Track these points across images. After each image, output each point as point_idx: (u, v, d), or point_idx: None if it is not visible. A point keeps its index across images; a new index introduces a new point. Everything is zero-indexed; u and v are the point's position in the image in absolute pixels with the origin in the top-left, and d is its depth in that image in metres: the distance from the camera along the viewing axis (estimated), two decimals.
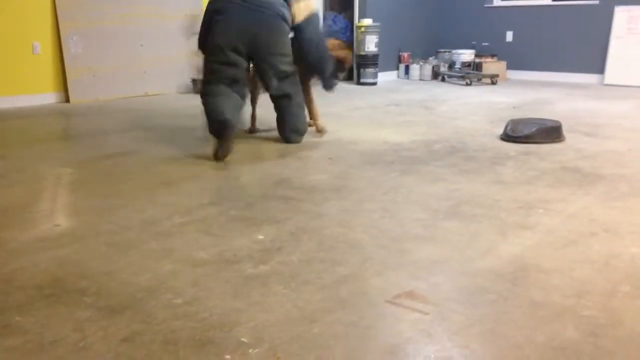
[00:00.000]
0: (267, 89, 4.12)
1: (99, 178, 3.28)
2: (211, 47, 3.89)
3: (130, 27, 6.74)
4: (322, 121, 4.51)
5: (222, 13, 3.86)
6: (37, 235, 2.39)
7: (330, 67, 4.18)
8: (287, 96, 4.07)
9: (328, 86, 4.27)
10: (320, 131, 4.44)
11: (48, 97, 6.16)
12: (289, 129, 4.16)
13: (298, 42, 4.09)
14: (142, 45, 6.79)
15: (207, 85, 3.90)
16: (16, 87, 5.90)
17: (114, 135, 4.48)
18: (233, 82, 3.89)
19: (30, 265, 2.09)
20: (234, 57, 3.84)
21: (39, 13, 5.98)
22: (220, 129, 3.66)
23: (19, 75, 5.90)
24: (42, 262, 2.11)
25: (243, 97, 3.97)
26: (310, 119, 4.43)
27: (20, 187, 3.10)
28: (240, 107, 3.92)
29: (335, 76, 4.28)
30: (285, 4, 3.94)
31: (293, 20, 4.01)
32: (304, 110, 4.19)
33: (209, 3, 4.02)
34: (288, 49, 4.01)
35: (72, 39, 6.23)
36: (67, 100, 6.23)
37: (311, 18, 4.07)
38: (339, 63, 4.39)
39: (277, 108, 4.16)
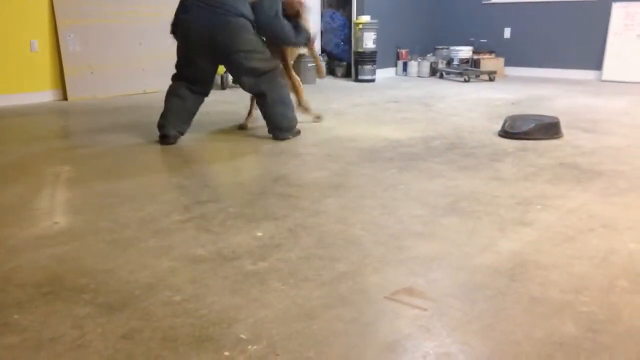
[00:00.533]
0: (242, 87, 4.19)
1: (98, 175, 3.28)
2: (177, 44, 4.11)
3: (129, 25, 6.72)
4: (307, 102, 4.57)
5: (186, 12, 3.98)
6: (36, 233, 2.39)
7: (289, 33, 4.09)
8: (262, 94, 4.09)
9: (298, 44, 4.27)
10: (307, 110, 4.52)
11: (46, 95, 6.14)
12: (271, 127, 4.18)
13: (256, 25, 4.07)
14: (140, 43, 6.77)
15: (174, 77, 4.17)
16: (14, 85, 5.88)
17: (112, 132, 4.47)
18: (194, 81, 4.09)
19: (29, 262, 2.09)
20: (194, 58, 4.00)
21: (36, 11, 5.96)
22: (160, 137, 4.06)
23: (17, 73, 5.89)
24: (41, 260, 2.11)
25: (204, 95, 4.20)
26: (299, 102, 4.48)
27: (19, 185, 3.10)
28: (193, 111, 4.17)
29: (300, 34, 4.20)
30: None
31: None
32: (285, 106, 4.14)
33: None
34: (254, 45, 3.98)
35: (69, 36, 6.22)
36: (65, 98, 6.22)
37: None
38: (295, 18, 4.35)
39: (259, 106, 4.21)
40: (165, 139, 4.03)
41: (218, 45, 3.90)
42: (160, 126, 4.05)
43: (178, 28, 4.06)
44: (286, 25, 4.07)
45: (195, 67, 4.03)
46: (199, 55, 3.97)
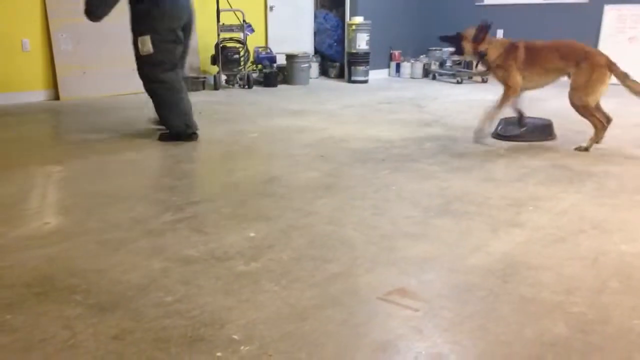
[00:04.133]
0: (182, 67, 4.32)
1: (89, 176, 3.26)
2: (162, 25, 3.96)
3: (120, 25, 6.68)
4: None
5: None
6: (26, 233, 2.37)
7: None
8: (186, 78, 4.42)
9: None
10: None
11: (37, 95, 6.11)
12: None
13: None
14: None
15: (165, 70, 4.05)
16: (5, 84, 5.84)
17: (103, 133, 4.46)
18: (181, 59, 4.22)
19: (19, 263, 2.07)
20: (181, 35, 4.09)
21: (28, 10, 5.93)
22: (190, 135, 4.13)
23: (8, 72, 5.85)
24: (32, 260, 2.09)
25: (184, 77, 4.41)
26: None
27: (10, 185, 3.08)
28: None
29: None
30: None
31: None
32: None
33: None
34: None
35: (61, 36, 6.19)
36: (57, 97, 6.18)
37: None
38: None
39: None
40: (195, 135, 4.17)
41: (189, 23, 4.12)
42: (187, 126, 4.10)
43: (152, 13, 3.96)
44: None
45: (181, 44, 4.11)
46: (182, 30, 4.09)
